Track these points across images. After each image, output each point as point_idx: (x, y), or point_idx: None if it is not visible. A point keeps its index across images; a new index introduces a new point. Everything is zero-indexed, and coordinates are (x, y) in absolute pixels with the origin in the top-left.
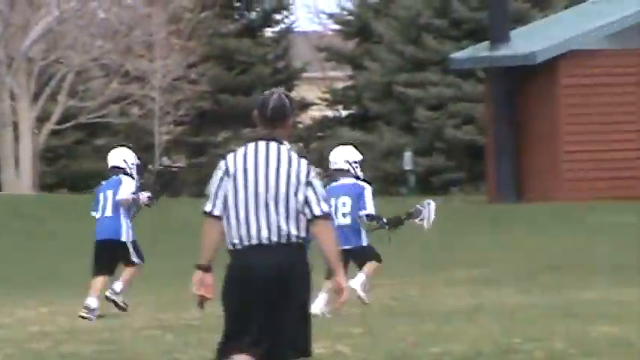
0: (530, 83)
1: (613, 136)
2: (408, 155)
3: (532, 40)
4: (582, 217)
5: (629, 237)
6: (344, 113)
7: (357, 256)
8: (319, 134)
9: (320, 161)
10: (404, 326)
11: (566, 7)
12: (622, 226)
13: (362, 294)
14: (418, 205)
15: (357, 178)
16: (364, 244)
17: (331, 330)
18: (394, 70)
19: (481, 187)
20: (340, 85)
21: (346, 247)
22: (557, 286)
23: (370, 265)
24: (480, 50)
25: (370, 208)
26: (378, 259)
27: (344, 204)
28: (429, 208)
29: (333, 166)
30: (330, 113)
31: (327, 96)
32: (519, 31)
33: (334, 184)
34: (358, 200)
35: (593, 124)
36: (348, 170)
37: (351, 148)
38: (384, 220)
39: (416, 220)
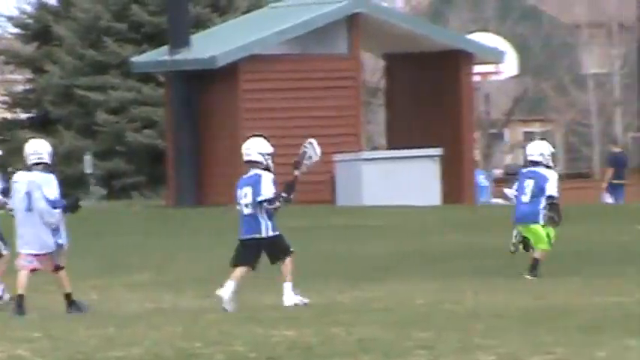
0: (211, 87)
1: (292, 140)
2: (87, 159)
3: (213, 44)
4: None
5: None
6: (24, 116)
7: (269, 248)
8: None
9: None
10: (84, 330)
11: (245, 13)
12: (304, 230)
13: (298, 300)
14: (300, 152)
15: (267, 169)
16: (270, 234)
17: (11, 334)
18: (75, 74)
19: (161, 191)
20: (20, 88)
21: (250, 236)
22: (237, 290)
23: (286, 267)
24: (161, 54)
25: (266, 192)
26: (288, 252)
27: (245, 195)
28: (313, 145)
29: (246, 157)
30: (9, 116)
31: (7, 99)
32: (200, 35)
33: (244, 176)
34: (257, 188)
35: (273, 128)
36: (260, 162)
37: (262, 140)
38: (283, 195)
39: (307, 162)
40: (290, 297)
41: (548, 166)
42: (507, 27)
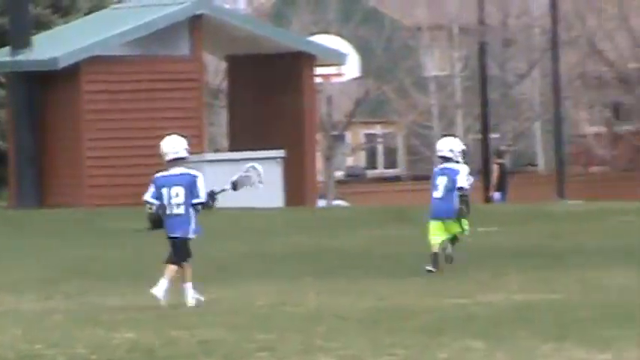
0: (53, 89)
1: (135, 142)
2: None
3: (54, 45)
4: (103, 223)
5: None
6: None
7: (175, 248)
8: None
9: None
10: None
11: (88, 14)
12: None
13: (194, 299)
14: (242, 174)
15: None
16: (189, 236)
17: None
18: None
19: (3, 192)
20: None
21: (172, 236)
22: (81, 292)
23: (187, 272)
24: (2, 55)
25: (203, 195)
26: (185, 258)
27: (177, 194)
28: (258, 171)
29: (172, 155)
30: None
31: None
32: (42, 36)
33: (165, 173)
34: (191, 189)
35: (115, 130)
36: (184, 158)
37: (178, 137)
38: (214, 199)
39: (248, 186)
40: (191, 296)
41: (457, 162)
42: (349, 29)
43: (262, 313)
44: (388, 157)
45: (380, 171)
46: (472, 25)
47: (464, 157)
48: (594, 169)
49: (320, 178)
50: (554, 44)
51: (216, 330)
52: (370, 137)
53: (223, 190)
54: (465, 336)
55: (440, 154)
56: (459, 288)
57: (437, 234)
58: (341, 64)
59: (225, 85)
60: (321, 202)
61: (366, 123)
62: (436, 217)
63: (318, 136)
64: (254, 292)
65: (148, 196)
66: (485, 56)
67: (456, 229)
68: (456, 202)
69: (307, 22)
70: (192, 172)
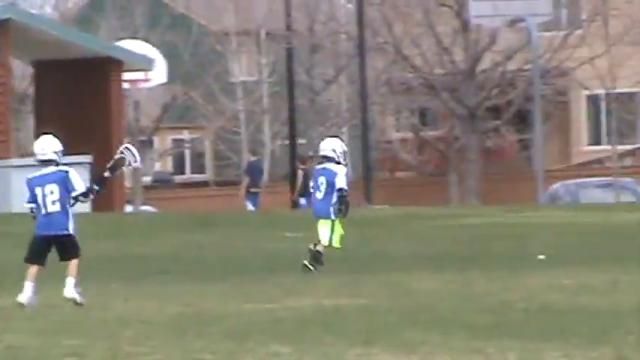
0: None
1: None
2: None
3: None
4: None
5: None
6: None
7: (63, 245)
8: None
9: None
10: None
11: None
12: None
13: (78, 298)
14: (117, 157)
15: (58, 164)
16: (70, 231)
17: None
18: None
19: None
20: None
21: (53, 233)
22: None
23: (72, 266)
24: None
25: (79, 187)
26: (77, 253)
27: (52, 192)
28: (130, 150)
29: (40, 157)
30: None
31: None
32: None
33: (37, 173)
34: (66, 184)
35: None
36: (55, 160)
37: (54, 138)
38: (95, 188)
39: (125, 168)
40: (71, 290)
41: (338, 162)
42: (157, 34)
43: (69, 318)
44: (196, 163)
45: (187, 176)
46: (279, 30)
47: (345, 159)
48: (401, 174)
49: (127, 183)
50: (361, 50)
51: (23, 335)
52: (178, 142)
53: (104, 177)
54: (272, 341)
55: (322, 152)
56: (267, 293)
57: (324, 233)
58: (148, 70)
59: (31, 90)
60: (129, 208)
61: (174, 128)
62: (317, 217)
63: (126, 142)
64: (61, 298)
65: (26, 202)
66: (293, 62)
67: (332, 231)
68: (334, 203)
69: (115, 27)
70: (63, 168)
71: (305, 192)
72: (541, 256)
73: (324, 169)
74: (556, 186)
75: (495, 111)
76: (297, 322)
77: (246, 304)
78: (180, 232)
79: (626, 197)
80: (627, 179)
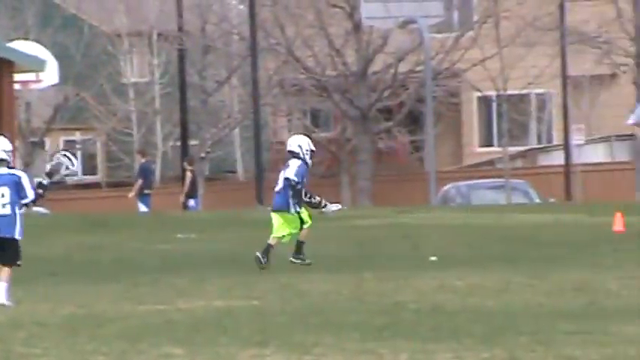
0: None
1: None
2: None
3: None
4: None
5: None
6: None
7: (4, 249)
8: None
9: None
10: None
11: None
12: None
13: (7, 302)
14: (54, 162)
15: (13, 167)
16: (17, 236)
17: None
18: None
19: None
20: None
21: (4, 236)
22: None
23: (6, 272)
24: None
25: (30, 194)
26: (16, 261)
27: (2, 195)
28: (67, 156)
29: None
30: None
31: None
32: None
33: None
34: (18, 189)
35: None
36: (6, 160)
37: (4, 138)
38: (39, 194)
39: (64, 173)
40: (2, 295)
41: (304, 160)
42: (48, 35)
43: None
44: (88, 164)
45: (79, 178)
46: (171, 31)
47: (311, 158)
48: None
49: None
50: (253, 51)
51: None
52: (69, 144)
53: (43, 184)
54: (165, 342)
55: (288, 148)
56: (159, 294)
57: (280, 228)
58: (40, 71)
59: None
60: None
61: (66, 129)
62: (274, 210)
63: (17, 143)
64: None
65: None
66: (185, 63)
67: (294, 224)
68: (291, 196)
69: (6, 28)
70: (16, 172)
71: (193, 193)
72: (433, 258)
73: (286, 164)
74: (448, 187)
75: (387, 112)
76: (189, 324)
77: (139, 306)
78: (72, 233)
79: (518, 199)
80: (519, 181)
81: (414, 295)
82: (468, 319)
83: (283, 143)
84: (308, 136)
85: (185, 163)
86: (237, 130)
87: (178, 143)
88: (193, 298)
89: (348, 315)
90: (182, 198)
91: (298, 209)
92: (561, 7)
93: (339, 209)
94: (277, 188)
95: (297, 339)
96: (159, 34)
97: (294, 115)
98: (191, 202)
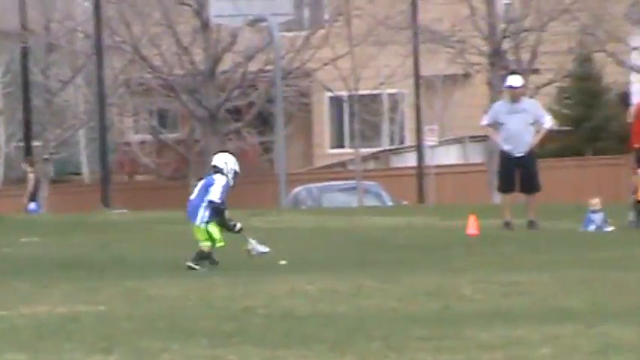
0: None
1: None
2: None
3: None
4: None
5: None
6: None
7: None
8: None
9: None
10: None
11: None
12: None
13: None
14: None
15: None
16: None
17: None
18: None
19: None
20: None
21: None
22: None
23: None
24: None
25: None
26: None
27: None
28: None
29: None
30: None
31: None
32: None
33: None
34: None
35: None
36: None
37: None
38: None
39: None
40: None
41: (225, 176)
42: None
43: None
44: None
45: None
46: (14, 29)
47: (234, 179)
48: (140, 177)
49: None
50: (99, 50)
51: None
52: None
53: None
54: (8, 349)
55: (213, 162)
56: (1, 299)
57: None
58: None
59: None
60: None
61: None
62: (188, 218)
63: None
64: None
65: None
66: (28, 61)
67: (201, 236)
68: (203, 208)
69: None
70: None
71: (33, 196)
72: (283, 261)
73: (209, 179)
74: (298, 189)
75: (236, 113)
76: (33, 330)
77: None
78: None
79: (370, 201)
80: (371, 183)
81: (263, 300)
82: (319, 325)
83: (129, 144)
84: (232, 154)
85: (25, 165)
86: (82, 131)
87: (22, 144)
88: (37, 303)
89: (196, 320)
90: (25, 200)
91: (205, 223)
92: (413, 5)
93: (267, 253)
94: (191, 197)
95: (144, 345)
96: (1, 32)
97: (140, 115)
98: (32, 205)
